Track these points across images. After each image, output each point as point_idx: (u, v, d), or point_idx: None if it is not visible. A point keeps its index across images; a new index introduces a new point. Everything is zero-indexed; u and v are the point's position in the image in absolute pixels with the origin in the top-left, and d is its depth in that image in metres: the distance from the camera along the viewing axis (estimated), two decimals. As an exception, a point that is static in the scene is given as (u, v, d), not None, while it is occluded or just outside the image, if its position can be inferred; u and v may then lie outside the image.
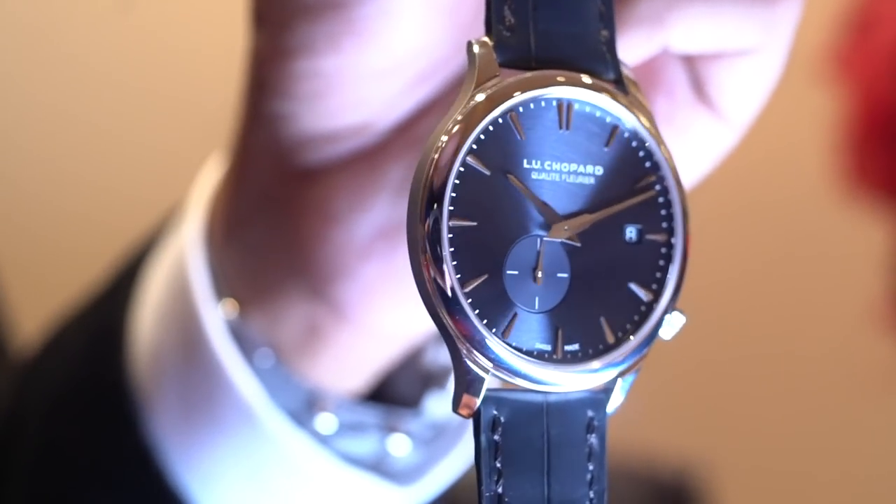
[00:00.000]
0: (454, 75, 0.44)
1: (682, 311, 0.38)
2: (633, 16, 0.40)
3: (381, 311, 0.45)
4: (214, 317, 0.47)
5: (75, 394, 0.52)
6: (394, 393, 0.50)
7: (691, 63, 0.42)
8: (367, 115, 0.43)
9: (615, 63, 0.38)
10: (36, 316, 0.68)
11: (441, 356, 0.50)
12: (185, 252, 0.49)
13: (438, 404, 0.50)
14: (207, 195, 0.50)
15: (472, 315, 0.36)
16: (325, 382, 0.48)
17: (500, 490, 0.36)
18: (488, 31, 0.38)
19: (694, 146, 0.43)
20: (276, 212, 0.46)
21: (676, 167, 0.38)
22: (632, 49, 0.40)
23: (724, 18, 0.40)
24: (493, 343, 0.36)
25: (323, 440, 0.47)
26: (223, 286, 0.48)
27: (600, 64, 0.38)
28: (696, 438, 1.37)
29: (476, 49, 0.37)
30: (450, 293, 0.36)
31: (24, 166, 1.45)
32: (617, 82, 0.38)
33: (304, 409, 0.47)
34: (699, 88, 0.42)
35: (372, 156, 0.44)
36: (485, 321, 0.36)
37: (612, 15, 0.39)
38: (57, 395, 0.53)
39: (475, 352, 0.36)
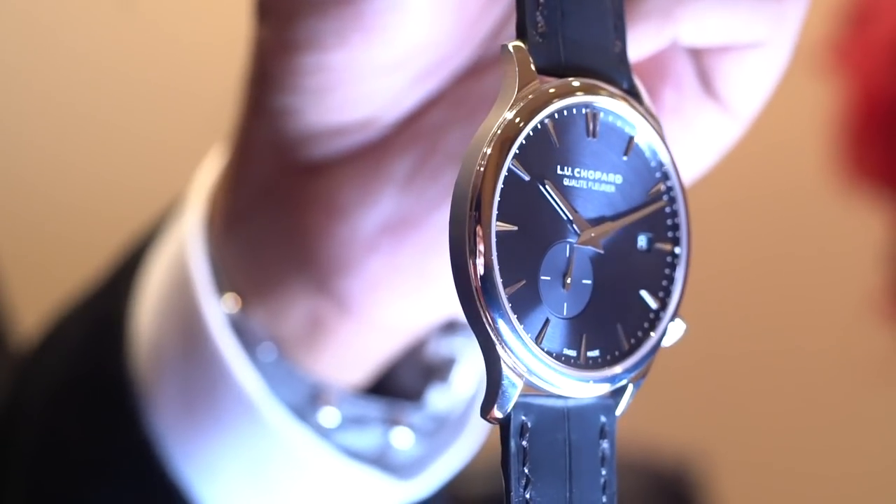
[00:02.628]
0: (459, 70, 0.44)
1: (682, 319, 0.38)
2: (643, 9, 0.40)
3: (386, 305, 0.45)
4: (215, 310, 0.47)
5: (75, 386, 0.52)
6: (396, 385, 0.50)
7: (698, 56, 0.42)
8: (373, 109, 0.43)
9: (628, 73, 0.39)
10: (36, 308, 0.68)
11: (443, 348, 0.50)
12: (186, 245, 0.49)
13: (440, 397, 0.50)
14: (208, 187, 0.50)
15: (514, 320, 0.36)
16: (327, 376, 0.48)
17: (527, 496, 0.36)
18: (521, 36, 0.38)
19: (700, 139, 0.43)
20: (278, 205, 0.46)
21: (681, 175, 0.39)
22: (641, 42, 0.40)
23: (733, 12, 0.40)
24: (531, 348, 0.36)
25: (325, 434, 0.47)
26: (224, 279, 0.48)
27: (617, 74, 0.39)
28: (696, 430, 1.37)
29: (514, 52, 0.37)
30: (495, 299, 0.36)
31: (25, 159, 1.45)
32: (630, 93, 0.39)
33: (307, 402, 0.47)
34: (706, 81, 0.42)
35: (377, 150, 0.44)
36: (522, 326, 0.36)
37: (624, 27, 0.39)
38: (57, 387, 0.53)
39: (514, 357, 0.36)
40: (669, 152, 0.38)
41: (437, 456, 0.49)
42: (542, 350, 0.36)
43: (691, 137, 0.43)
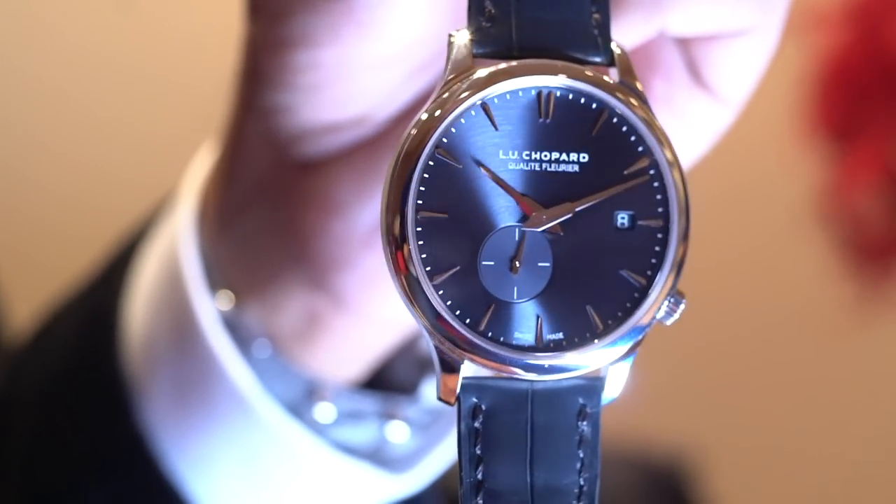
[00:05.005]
0: None
1: (682, 295, 0.37)
2: (630, 1, 0.40)
3: (381, 300, 0.45)
4: (207, 306, 0.47)
5: (68, 381, 0.52)
6: (391, 379, 0.50)
7: (686, 46, 0.42)
8: (367, 105, 0.43)
9: (607, 47, 0.38)
10: (29, 303, 0.67)
11: None
12: (177, 240, 0.48)
13: (435, 390, 0.50)
14: (199, 183, 0.49)
15: (441, 306, 0.36)
16: (323, 371, 0.47)
17: (479, 477, 0.37)
18: (469, 23, 0.38)
19: (692, 128, 0.43)
20: (272, 202, 0.46)
21: (674, 151, 0.37)
22: (629, 32, 0.40)
23: (719, 0, 0.40)
24: (465, 333, 0.36)
25: (320, 430, 0.47)
26: (218, 275, 0.48)
27: (590, 49, 0.38)
28: (690, 424, 1.37)
29: (452, 41, 0.37)
30: (419, 286, 0.36)
31: (18, 155, 1.45)
32: (610, 65, 0.38)
33: (302, 398, 0.47)
34: (694, 71, 0.42)
35: (372, 146, 0.44)
36: (457, 312, 0.36)
37: None
38: (50, 382, 0.53)
39: (447, 342, 0.36)
40: (655, 126, 0.37)
41: (432, 449, 0.49)
42: (482, 335, 0.36)
43: (683, 126, 0.43)
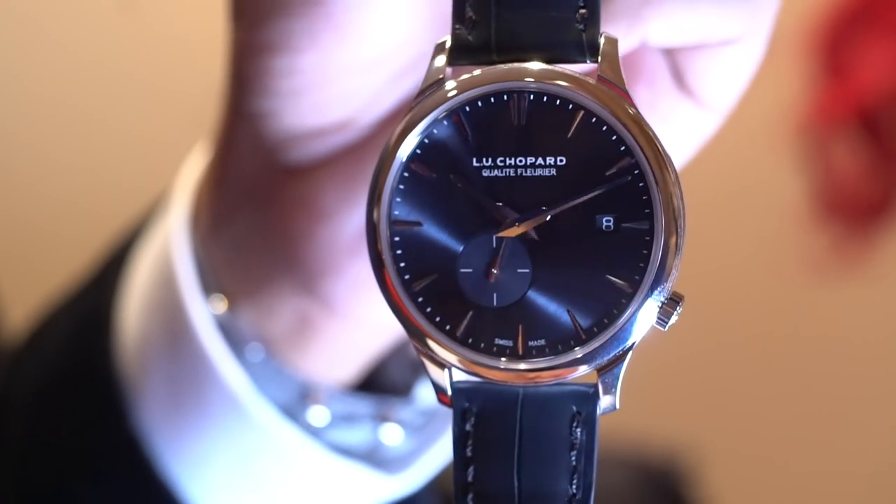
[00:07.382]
0: None
1: (679, 297, 0.36)
2: (611, 11, 0.39)
3: (371, 304, 0.45)
4: (200, 308, 0.47)
5: (63, 383, 0.52)
6: (384, 381, 0.50)
7: (671, 53, 0.42)
8: (350, 110, 0.43)
9: (592, 43, 0.37)
10: (24, 305, 0.67)
11: None
12: (171, 243, 0.48)
13: (429, 391, 0.50)
14: (192, 185, 0.49)
15: (419, 313, 0.37)
16: (316, 374, 0.47)
17: (469, 479, 0.37)
18: (451, 31, 0.37)
19: (676, 134, 0.43)
20: (262, 206, 0.46)
21: (661, 148, 0.36)
22: None
23: (702, 12, 0.39)
24: (444, 340, 0.36)
25: (314, 432, 0.47)
26: (211, 278, 0.48)
27: (572, 46, 0.37)
28: (685, 423, 1.37)
29: (435, 50, 0.37)
30: (398, 293, 0.37)
31: (13, 156, 1.45)
32: (595, 62, 0.37)
33: (296, 401, 0.47)
34: (679, 78, 0.42)
35: (358, 151, 0.44)
36: (437, 319, 0.36)
37: None
38: (44, 384, 0.53)
39: (429, 348, 0.36)
40: (638, 125, 0.36)
41: (426, 450, 0.49)
42: (461, 342, 0.36)
43: (668, 133, 0.42)
